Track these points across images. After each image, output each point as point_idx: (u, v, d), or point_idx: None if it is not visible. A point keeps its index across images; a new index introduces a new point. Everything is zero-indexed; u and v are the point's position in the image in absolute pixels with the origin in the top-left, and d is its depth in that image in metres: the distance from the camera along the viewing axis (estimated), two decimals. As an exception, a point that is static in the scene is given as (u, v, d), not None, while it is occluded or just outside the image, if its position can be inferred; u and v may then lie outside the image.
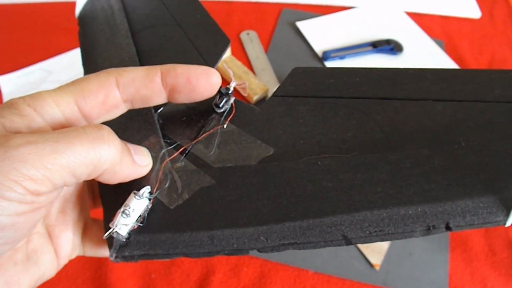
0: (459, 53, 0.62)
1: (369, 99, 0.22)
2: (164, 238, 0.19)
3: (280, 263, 0.42)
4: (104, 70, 0.20)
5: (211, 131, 0.23)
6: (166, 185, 0.21)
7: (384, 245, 0.42)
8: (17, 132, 0.16)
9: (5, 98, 0.55)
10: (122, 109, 0.20)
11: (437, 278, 0.41)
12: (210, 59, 0.25)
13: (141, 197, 0.19)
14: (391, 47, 0.60)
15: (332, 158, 0.20)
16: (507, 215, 0.17)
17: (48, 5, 0.69)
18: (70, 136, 0.16)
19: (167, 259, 0.20)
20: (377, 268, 0.41)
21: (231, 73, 0.24)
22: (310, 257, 0.42)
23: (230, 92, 0.23)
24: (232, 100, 0.23)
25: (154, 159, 0.22)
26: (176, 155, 0.22)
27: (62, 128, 0.17)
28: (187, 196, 0.20)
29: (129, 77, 0.19)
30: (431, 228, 0.18)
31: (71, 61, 0.59)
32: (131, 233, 0.20)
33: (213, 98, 0.23)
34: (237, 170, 0.21)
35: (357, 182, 0.19)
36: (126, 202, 0.19)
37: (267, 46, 0.62)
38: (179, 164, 0.22)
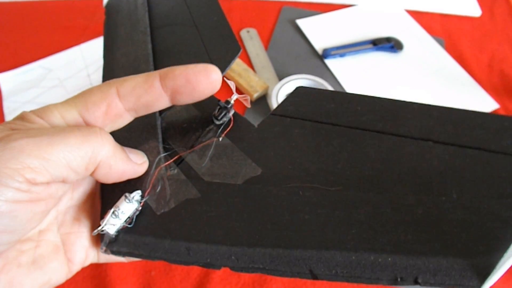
0: (459, 51, 0.62)
1: (366, 131, 0.21)
2: (147, 241, 0.20)
3: (280, 260, 0.42)
4: (106, 82, 0.20)
5: (206, 142, 0.23)
6: (157, 191, 0.22)
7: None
8: None
9: (5, 96, 0.55)
10: (127, 118, 0.21)
11: (438, 276, 0.41)
12: (219, 66, 0.25)
13: (131, 201, 0.21)
14: (392, 45, 0.60)
15: (315, 189, 0.20)
16: (482, 282, 0.16)
17: (48, 3, 0.69)
18: (65, 131, 0.17)
19: (149, 260, 0.21)
20: (378, 265, 0.41)
21: (233, 86, 0.23)
22: (311, 254, 0.42)
23: (229, 106, 0.23)
24: (231, 113, 0.23)
25: (151, 163, 0.22)
26: (171, 163, 0.23)
27: None
28: (173, 205, 0.21)
29: (129, 86, 0.20)
30: (398, 279, 0.17)
31: (71, 59, 0.59)
32: (120, 231, 0.21)
33: (214, 108, 0.23)
34: (222, 187, 0.21)
35: (333, 220, 0.19)
36: (117, 203, 0.20)
37: (267, 44, 0.62)
38: (171, 172, 0.22)
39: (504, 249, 0.16)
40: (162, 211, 0.21)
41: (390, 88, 0.55)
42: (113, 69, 0.28)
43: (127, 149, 0.21)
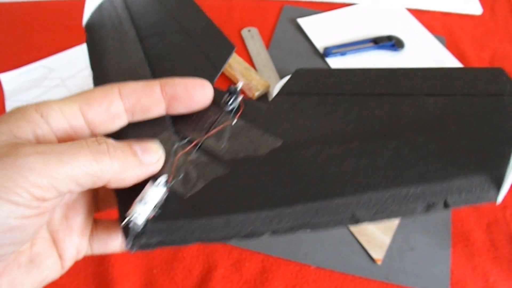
0: (460, 49, 0.62)
1: (367, 95, 0.24)
2: (181, 225, 0.20)
3: (282, 258, 0.42)
4: (108, 84, 0.21)
5: (221, 126, 0.23)
6: (180, 177, 0.21)
7: (386, 240, 0.42)
8: (24, 139, 0.17)
9: (7, 96, 0.55)
10: (123, 120, 0.21)
11: (439, 273, 0.41)
12: (217, 63, 0.26)
13: (158, 186, 0.20)
14: (393, 43, 0.60)
15: (336, 147, 0.22)
16: (498, 192, 0.19)
17: (49, 3, 0.69)
18: (74, 148, 0.17)
19: (183, 245, 0.20)
20: (379, 263, 0.41)
21: (238, 73, 0.25)
22: (312, 252, 0.42)
23: (238, 90, 0.24)
24: (240, 98, 0.24)
25: (168, 153, 0.22)
26: (189, 149, 0.23)
27: (66, 135, 0.19)
28: (201, 186, 0.21)
29: (131, 87, 0.21)
30: (430, 205, 0.19)
31: (72, 58, 0.60)
32: (147, 221, 0.20)
33: (221, 97, 0.24)
34: (248, 160, 0.22)
35: (361, 168, 0.20)
36: (143, 191, 0.20)
37: (268, 43, 0.62)
38: (192, 157, 0.22)
39: (507, 162, 0.19)
40: (190, 193, 0.21)
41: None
42: (106, 76, 0.29)
43: (140, 148, 0.20)
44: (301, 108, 0.24)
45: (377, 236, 0.43)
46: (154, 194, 0.20)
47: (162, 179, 0.20)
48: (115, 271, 0.42)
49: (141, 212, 0.19)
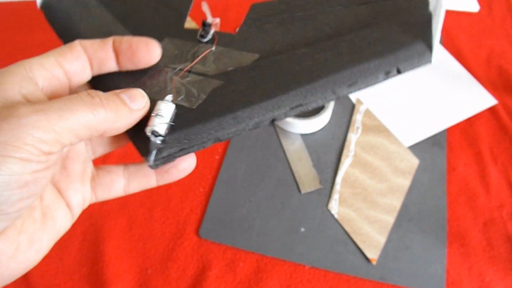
0: (457, 46, 0.62)
1: (314, 12, 0.30)
2: (196, 130, 0.23)
3: (276, 258, 0.42)
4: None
5: (204, 53, 0.27)
6: (183, 96, 0.24)
7: (381, 239, 0.42)
8: (14, 100, 0.19)
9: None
10: (88, 74, 0.23)
11: (435, 273, 0.40)
12: (182, 10, 0.30)
13: (168, 102, 0.22)
14: (389, 41, 0.59)
15: (304, 49, 0.26)
16: (431, 54, 0.25)
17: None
18: (71, 103, 0.19)
19: (201, 149, 0.23)
20: (374, 262, 0.41)
21: (208, 12, 0.29)
22: (307, 252, 0.42)
23: (210, 23, 0.28)
24: (212, 30, 0.28)
25: (164, 81, 0.25)
26: (182, 74, 0.26)
27: (51, 87, 0.21)
28: (204, 97, 0.24)
29: (89, 41, 0.23)
30: (388, 72, 0.25)
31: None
32: (165, 136, 0.22)
33: (194, 35, 0.28)
34: (237, 70, 0.26)
35: (328, 57, 0.25)
36: (156, 107, 0.22)
37: (264, 42, 0.62)
38: (187, 79, 0.25)
39: (431, 34, 0.25)
40: (197, 104, 0.24)
41: (386, 84, 0.55)
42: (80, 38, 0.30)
43: (127, 97, 0.22)
44: (266, 29, 0.29)
45: (372, 235, 0.42)
46: (167, 109, 0.22)
47: (169, 97, 0.23)
48: (109, 271, 0.42)
49: (161, 122, 0.21)
